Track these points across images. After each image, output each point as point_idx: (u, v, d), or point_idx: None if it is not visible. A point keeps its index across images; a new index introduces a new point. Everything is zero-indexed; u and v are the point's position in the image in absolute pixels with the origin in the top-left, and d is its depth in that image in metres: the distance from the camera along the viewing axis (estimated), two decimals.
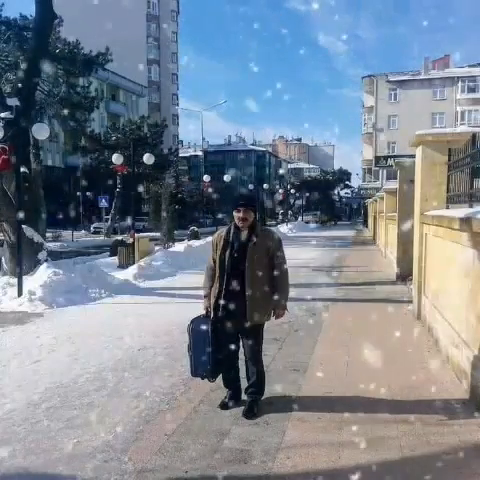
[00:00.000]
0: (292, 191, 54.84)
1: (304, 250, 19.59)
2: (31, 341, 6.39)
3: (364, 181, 63.26)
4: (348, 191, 74.07)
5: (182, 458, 3.33)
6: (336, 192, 69.11)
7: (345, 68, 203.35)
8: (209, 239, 9.90)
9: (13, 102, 9.74)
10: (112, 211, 33.43)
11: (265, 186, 49.72)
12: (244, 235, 3.99)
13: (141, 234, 19.04)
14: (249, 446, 3.48)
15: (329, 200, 65.44)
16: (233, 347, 4.09)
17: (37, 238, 10.60)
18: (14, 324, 7.37)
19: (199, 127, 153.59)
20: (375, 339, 6.22)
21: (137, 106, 57.15)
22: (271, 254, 3.99)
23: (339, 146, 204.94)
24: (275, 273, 4.00)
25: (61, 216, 31.81)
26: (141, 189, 28.58)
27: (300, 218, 53.12)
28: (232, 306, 3.92)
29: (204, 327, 3.95)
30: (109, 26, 42.62)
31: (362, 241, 27.20)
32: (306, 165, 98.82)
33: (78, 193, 36.84)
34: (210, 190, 35.84)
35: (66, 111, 22.47)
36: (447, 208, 6.50)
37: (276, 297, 4.00)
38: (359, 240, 28.25)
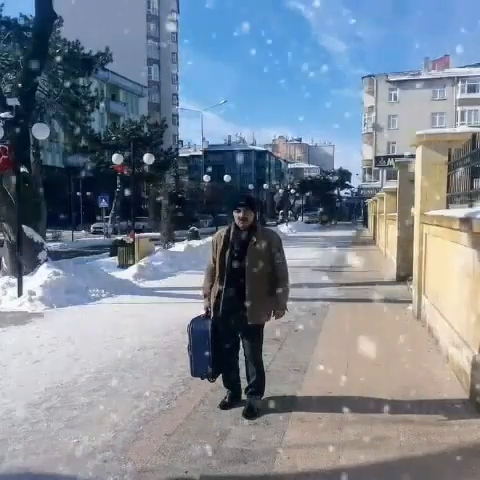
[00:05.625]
0: (292, 191, 54.84)
1: (304, 250, 19.57)
2: (31, 341, 6.38)
3: (364, 181, 63.18)
4: (348, 191, 73.99)
5: (182, 458, 3.33)
6: (336, 192, 69.07)
7: (345, 68, 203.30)
8: (209, 239, 9.91)
9: (13, 102, 9.72)
10: (112, 211, 33.44)
11: (265, 186, 49.72)
12: (244, 235, 3.98)
13: (141, 234, 19.02)
14: (249, 446, 3.48)
15: (329, 200, 65.42)
16: (233, 347, 4.09)
17: (37, 238, 10.59)
18: (14, 324, 7.37)
19: (199, 127, 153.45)
20: (375, 339, 6.21)
21: (137, 106, 57.15)
22: (271, 254, 3.98)
23: (339, 146, 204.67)
24: (275, 273, 4.00)
25: (61, 216, 31.79)
26: (141, 189, 28.57)
27: (300, 218, 53.12)
28: (232, 306, 3.92)
29: (204, 327, 3.96)
30: (109, 26, 42.73)
31: (362, 241, 27.17)
32: (306, 165, 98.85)
33: (78, 193, 36.80)
34: (209, 189, 35.85)
35: (66, 111, 22.46)
36: (447, 208, 6.50)
37: (276, 297, 4.01)
38: (359, 240, 28.23)
